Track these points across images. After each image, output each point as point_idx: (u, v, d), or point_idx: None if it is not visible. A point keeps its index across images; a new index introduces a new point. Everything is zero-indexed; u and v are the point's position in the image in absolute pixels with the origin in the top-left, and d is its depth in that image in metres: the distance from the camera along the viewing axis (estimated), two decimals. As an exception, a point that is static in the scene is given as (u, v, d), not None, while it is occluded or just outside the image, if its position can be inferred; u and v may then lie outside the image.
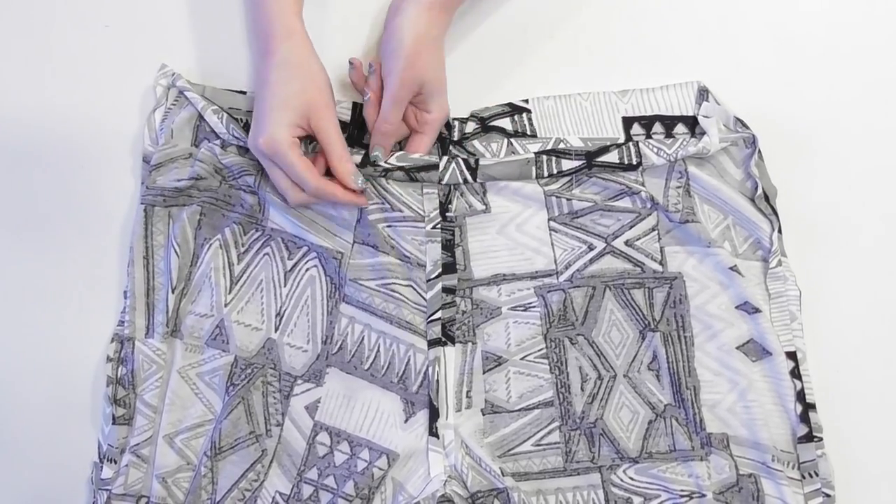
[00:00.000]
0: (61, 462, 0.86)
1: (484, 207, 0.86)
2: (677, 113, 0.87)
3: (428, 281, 0.85)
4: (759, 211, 0.85)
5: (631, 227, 0.85)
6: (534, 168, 0.85)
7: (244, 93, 0.88)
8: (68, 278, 0.88)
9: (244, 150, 0.85)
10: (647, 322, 0.84)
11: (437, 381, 0.83)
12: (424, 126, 0.84)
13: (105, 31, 0.90)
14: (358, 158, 0.83)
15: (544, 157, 0.85)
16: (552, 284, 0.85)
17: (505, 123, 0.87)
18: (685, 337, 0.84)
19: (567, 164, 0.85)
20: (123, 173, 0.88)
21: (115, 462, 0.83)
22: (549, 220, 0.86)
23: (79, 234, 0.88)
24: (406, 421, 0.84)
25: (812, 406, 0.82)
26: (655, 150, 0.84)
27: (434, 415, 0.83)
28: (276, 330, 0.85)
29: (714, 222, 0.85)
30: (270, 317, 0.85)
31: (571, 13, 0.90)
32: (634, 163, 0.84)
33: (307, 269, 0.86)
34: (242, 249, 0.86)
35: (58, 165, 0.89)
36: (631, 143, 0.85)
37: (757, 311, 0.83)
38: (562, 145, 0.86)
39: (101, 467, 0.83)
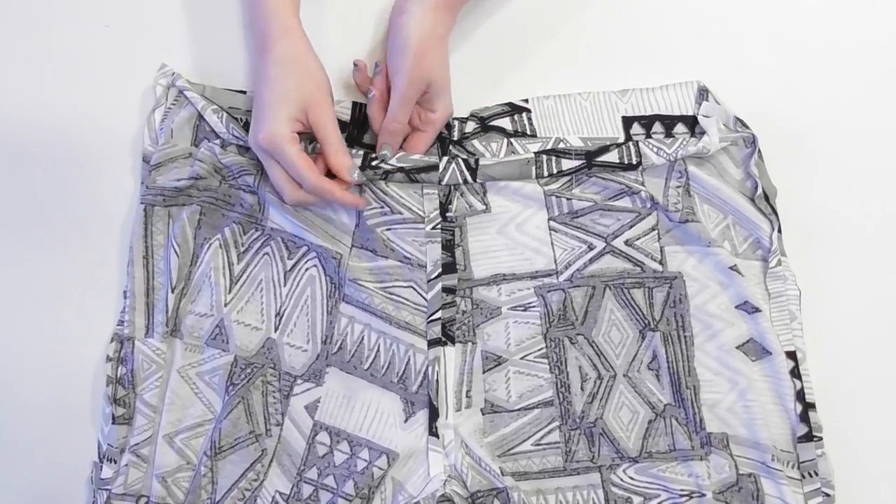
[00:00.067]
0: (61, 462, 0.86)
1: (484, 207, 0.86)
2: (677, 113, 0.87)
3: (428, 281, 0.85)
4: (758, 210, 0.85)
5: (631, 227, 0.85)
6: (534, 168, 0.85)
7: (244, 92, 0.88)
8: (68, 278, 0.87)
9: (244, 150, 0.85)
10: (646, 322, 0.84)
11: (437, 380, 0.83)
12: (427, 125, 0.84)
13: (105, 31, 0.90)
14: (358, 161, 0.83)
15: (544, 157, 0.85)
16: (552, 284, 0.85)
17: (505, 123, 0.87)
18: (685, 336, 0.84)
19: (567, 164, 0.85)
20: (123, 173, 0.88)
21: (115, 462, 0.83)
22: (549, 219, 0.86)
23: (79, 234, 0.88)
24: (406, 421, 0.84)
25: (812, 406, 0.82)
26: (655, 149, 0.84)
27: (434, 414, 0.83)
28: (276, 329, 0.85)
29: (714, 222, 0.85)
30: (270, 316, 0.85)
31: (572, 13, 0.90)
32: (634, 162, 0.84)
33: (307, 269, 0.86)
34: (242, 249, 0.86)
35: (58, 165, 0.89)
36: (631, 143, 0.85)
37: (757, 310, 0.83)
38: (562, 145, 0.86)
39: (101, 467, 0.83)
